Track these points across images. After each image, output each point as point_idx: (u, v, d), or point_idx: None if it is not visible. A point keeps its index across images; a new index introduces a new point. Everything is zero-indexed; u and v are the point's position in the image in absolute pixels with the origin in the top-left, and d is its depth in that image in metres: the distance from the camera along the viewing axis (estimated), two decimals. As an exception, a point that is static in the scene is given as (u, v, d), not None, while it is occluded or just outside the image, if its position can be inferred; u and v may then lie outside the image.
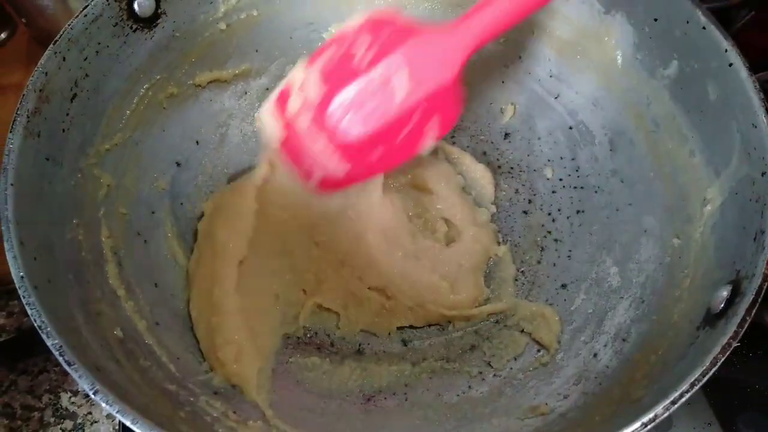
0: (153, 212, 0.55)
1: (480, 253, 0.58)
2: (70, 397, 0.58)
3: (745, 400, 0.55)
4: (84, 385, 0.34)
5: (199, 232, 0.56)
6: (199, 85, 0.59)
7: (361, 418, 0.49)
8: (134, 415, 0.33)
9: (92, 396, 0.33)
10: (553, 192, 0.60)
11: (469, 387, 0.52)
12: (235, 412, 0.45)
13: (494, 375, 0.52)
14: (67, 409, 0.57)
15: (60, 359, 0.34)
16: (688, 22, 0.48)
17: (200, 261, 0.54)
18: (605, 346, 0.49)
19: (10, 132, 0.42)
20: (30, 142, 0.43)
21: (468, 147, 0.64)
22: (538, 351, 0.52)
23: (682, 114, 0.50)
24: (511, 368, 0.52)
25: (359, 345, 0.55)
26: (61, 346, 0.35)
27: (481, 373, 0.52)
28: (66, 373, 0.57)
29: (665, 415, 0.33)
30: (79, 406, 0.57)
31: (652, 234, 0.52)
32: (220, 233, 0.54)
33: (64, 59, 0.47)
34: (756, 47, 0.53)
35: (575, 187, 0.59)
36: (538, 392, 0.49)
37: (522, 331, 0.54)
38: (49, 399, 0.58)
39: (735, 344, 0.34)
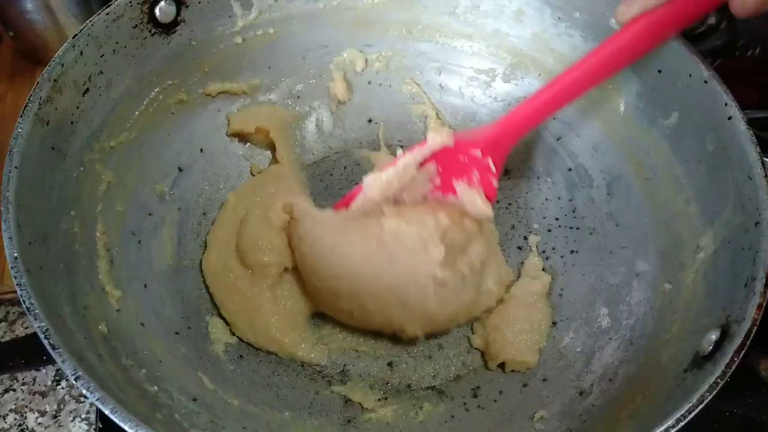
0: (150, 214, 0.55)
1: (493, 237, 0.60)
2: (36, 418, 0.56)
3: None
4: (67, 370, 0.33)
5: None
6: (209, 95, 0.60)
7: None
8: (114, 404, 0.32)
9: (73, 382, 0.33)
10: (549, 231, 0.61)
11: (452, 416, 0.51)
12: (213, 421, 0.44)
13: (478, 406, 0.51)
14: (33, 430, 0.56)
15: (45, 342, 0.34)
16: (690, 75, 0.49)
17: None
18: (592, 385, 0.48)
19: (20, 117, 0.43)
20: (38, 129, 0.44)
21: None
22: (524, 386, 0.52)
23: (680, 163, 0.51)
24: (496, 401, 0.51)
25: (344, 366, 0.55)
26: (47, 329, 0.34)
27: (465, 403, 0.52)
28: (33, 393, 0.57)
29: (651, 449, 0.33)
30: (46, 427, 0.56)
31: (644, 278, 0.52)
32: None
33: (81, 53, 0.47)
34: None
35: (571, 228, 0.60)
36: (522, 427, 0.48)
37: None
38: (15, 419, 0.56)
39: (722, 383, 0.34)
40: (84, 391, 0.33)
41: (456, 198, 0.54)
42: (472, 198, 0.53)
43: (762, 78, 0.85)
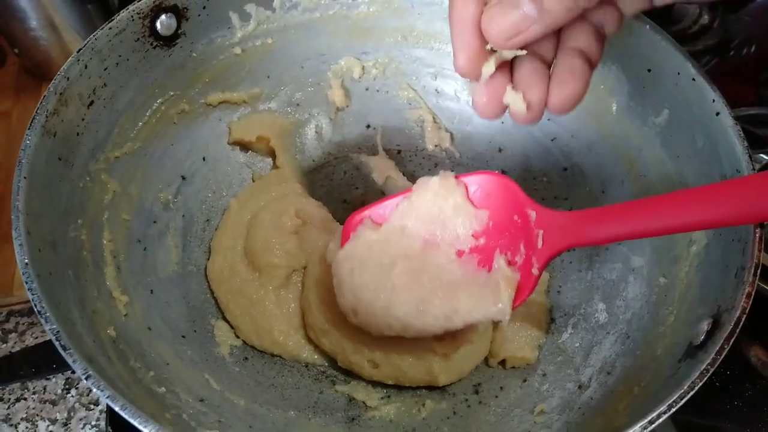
0: (155, 221, 0.56)
1: None
2: (47, 426, 0.57)
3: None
4: (78, 369, 0.35)
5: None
6: (210, 105, 0.61)
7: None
8: (124, 401, 0.34)
9: (84, 381, 0.34)
10: (546, 229, 0.62)
11: (454, 413, 0.52)
12: (220, 421, 0.45)
13: (480, 402, 0.52)
14: None
15: (56, 344, 0.35)
16: (679, 74, 0.50)
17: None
18: (590, 378, 0.49)
19: (29, 129, 0.44)
20: (46, 141, 0.45)
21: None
22: (524, 381, 0.53)
23: (672, 160, 0.52)
24: (497, 396, 0.52)
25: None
26: (58, 331, 0.36)
27: (467, 399, 0.53)
28: (43, 401, 0.58)
29: (643, 434, 0.34)
30: None
31: (639, 273, 0.53)
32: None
33: (86, 67, 0.49)
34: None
35: (567, 226, 0.60)
36: (522, 421, 0.49)
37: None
38: (26, 428, 0.57)
39: (712, 370, 0.35)
40: (94, 390, 0.34)
41: (484, 276, 0.45)
42: (496, 291, 0.43)
43: (758, 76, 0.86)
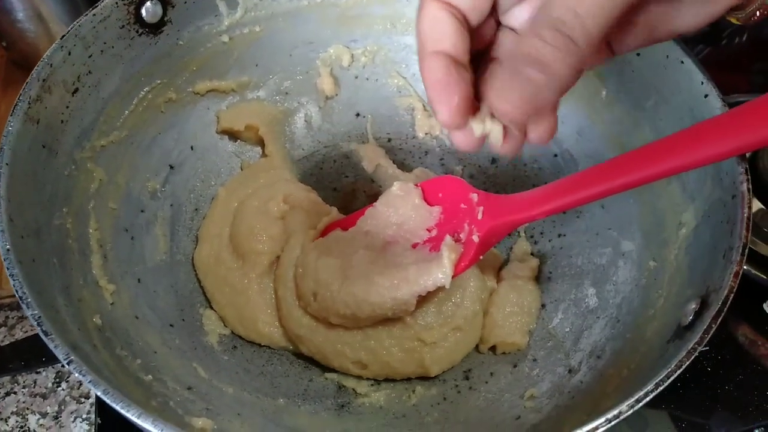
0: (142, 211, 0.56)
1: None
2: (38, 419, 0.57)
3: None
4: (59, 354, 0.34)
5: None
6: (198, 93, 0.60)
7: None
8: (106, 385, 0.33)
9: (65, 366, 0.33)
10: (536, 216, 0.61)
11: (444, 398, 0.52)
12: (208, 409, 0.45)
13: (470, 388, 0.52)
14: (35, 431, 0.56)
15: (38, 329, 0.35)
16: (667, 57, 0.50)
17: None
18: (580, 362, 0.49)
19: (11, 115, 0.44)
20: (29, 127, 0.45)
21: (457, 168, 0.66)
22: (514, 366, 0.53)
23: (661, 144, 0.52)
24: (487, 382, 0.52)
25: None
26: (39, 317, 0.35)
27: (457, 385, 0.53)
28: (33, 395, 0.57)
29: (629, 412, 0.33)
30: (47, 429, 0.56)
31: (629, 257, 0.53)
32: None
33: (69, 53, 0.48)
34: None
35: (558, 212, 0.60)
36: (512, 406, 0.49)
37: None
38: (16, 421, 0.57)
39: (700, 349, 0.35)
40: (76, 374, 0.33)
41: (433, 256, 0.49)
42: (440, 260, 0.47)
43: (751, 65, 0.86)
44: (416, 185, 0.53)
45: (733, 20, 0.44)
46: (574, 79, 0.33)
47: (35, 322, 0.35)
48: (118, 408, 0.33)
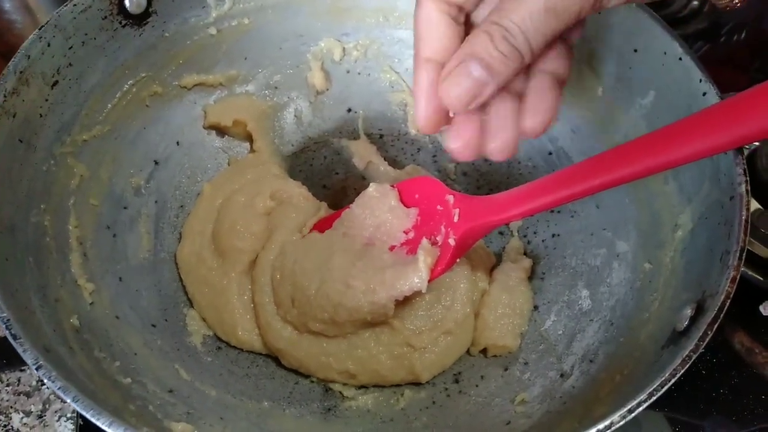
0: (125, 207, 0.54)
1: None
2: (21, 418, 0.56)
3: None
4: (28, 359, 0.33)
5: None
6: (185, 87, 0.59)
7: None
8: (76, 392, 0.32)
9: (35, 371, 0.32)
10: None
11: (433, 402, 0.50)
12: (189, 413, 0.44)
13: (460, 392, 0.51)
14: (18, 430, 0.55)
15: (6, 333, 0.33)
16: (665, 53, 0.49)
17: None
18: (572, 367, 0.48)
19: (-16, 108, 0.42)
20: (4, 121, 0.43)
21: (450, 165, 0.65)
22: (505, 370, 0.52)
23: (658, 142, 0.51)
24: (477, 386, 0.51)
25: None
26: (8, 319, 0.34)
27: (446, 389, 0.51)
28: (17, 393, 0.56)
29: (621, 423, 0.32)
30: (31, 428, 0.55)
31: (624, 259, 0.52)
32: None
33: (48, 45, 0.47)
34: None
35: (552, 211, 0.59)
36: (503, 410, 0.48)
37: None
38: (0, 420, 0.56)
39: (695, 357, 0.34)
40: (45, 381, 0.32)
41: (410, 260, 0.48)
42: (416, 264, 0.46)
43: (751, 62, 0.85)
44: (392, 186, 0.52)
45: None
46: (515, 73, 0.36)
47: (4, 326, 0.33)
48: (88, 416, 0.31)
